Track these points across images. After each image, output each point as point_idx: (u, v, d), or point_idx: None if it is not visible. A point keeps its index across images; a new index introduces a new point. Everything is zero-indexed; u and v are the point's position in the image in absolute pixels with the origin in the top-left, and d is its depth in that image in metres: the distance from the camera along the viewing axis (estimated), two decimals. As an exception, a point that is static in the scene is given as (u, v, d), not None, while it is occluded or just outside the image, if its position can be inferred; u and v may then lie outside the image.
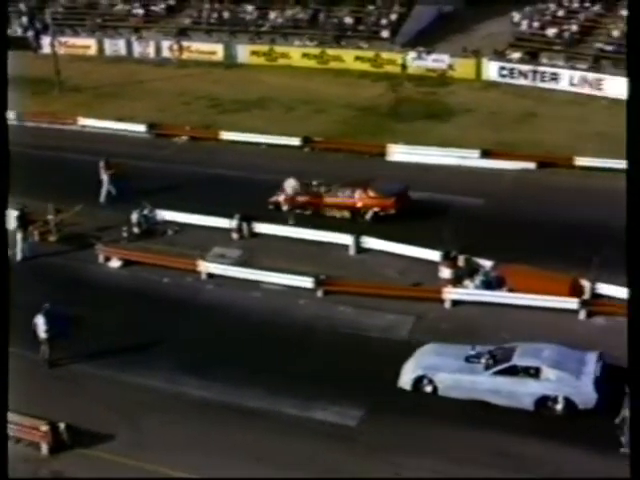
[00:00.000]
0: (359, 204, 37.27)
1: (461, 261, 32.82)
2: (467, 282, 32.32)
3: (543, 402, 25.43)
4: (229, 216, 36.76)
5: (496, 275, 32.16)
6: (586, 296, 30.84)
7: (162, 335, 30.16)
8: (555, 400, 25.32)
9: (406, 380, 27.02)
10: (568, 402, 25.16)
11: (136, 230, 37.14)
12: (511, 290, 31.53)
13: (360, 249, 35.19)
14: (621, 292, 30.35)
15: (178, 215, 37.91)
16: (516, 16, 57.67)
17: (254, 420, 26.01)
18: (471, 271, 32.64)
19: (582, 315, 30.32)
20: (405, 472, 23.66)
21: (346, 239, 35.26)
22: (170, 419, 26.27)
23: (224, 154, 44.93)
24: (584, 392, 25.07)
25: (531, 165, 41.75)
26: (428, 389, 26.74)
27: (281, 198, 38.30)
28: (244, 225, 36.68)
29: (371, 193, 37.20)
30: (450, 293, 31.66)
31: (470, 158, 42.52)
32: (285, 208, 38.13)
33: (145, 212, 37.48)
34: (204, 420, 26.15)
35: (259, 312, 31.64)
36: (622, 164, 40.04)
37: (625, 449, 23.36)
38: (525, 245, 33.74)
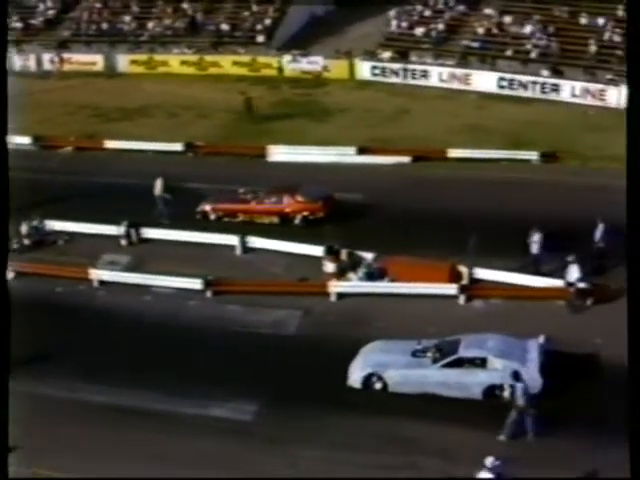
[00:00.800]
0: (288, 209, 37.54)
1: (344, 255, 33.48)
2: (351, 275, 33.06)
3: (491, 391, 25.93)
4: (118, 223, 36.93)
5: (378, 267, 32.95)
6: (464, 281, 31.89)
7: (58, 344, 30.17)
8: (502, 388, 25.75)
9: (355, 378, 27.25)
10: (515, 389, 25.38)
11: (26, 241, 37.16)
12: (393, 280, 32.38)
13: (246, 249, 35.74)
14: (497, 275, 32.04)
15: (67, 225, 37.92)
16: (387, 17, 58.34)
17: (155, 422, 26.28)
18: (354, 264, 33.33)
19: (462, 300, 31.46)
20: (299, 462, 24.26)
21: (232, 240, 35.77)
22: (71, 426, 26.23)
23: (110, 163, 44.72)
24: (530, 378, 25.35)
25: (406, 159, 42.68)
26: (378, 386, 27.02)
27: (208, 207, 38.45)
28: (132, 231, 36.93)
29: (299, 198, 37.56)
30: (335, 286, 32.40)
31: (348, 155, 43.27)
32: (213, 217, 38.37)
33: (34, 223, 37.51)
34: (105, 425, 26.21)
35: (151, 316, 31.90)
36: (491, 154, 42.35)
37: (502, 437, 24.40)
38: (404, 236, 34.61)
